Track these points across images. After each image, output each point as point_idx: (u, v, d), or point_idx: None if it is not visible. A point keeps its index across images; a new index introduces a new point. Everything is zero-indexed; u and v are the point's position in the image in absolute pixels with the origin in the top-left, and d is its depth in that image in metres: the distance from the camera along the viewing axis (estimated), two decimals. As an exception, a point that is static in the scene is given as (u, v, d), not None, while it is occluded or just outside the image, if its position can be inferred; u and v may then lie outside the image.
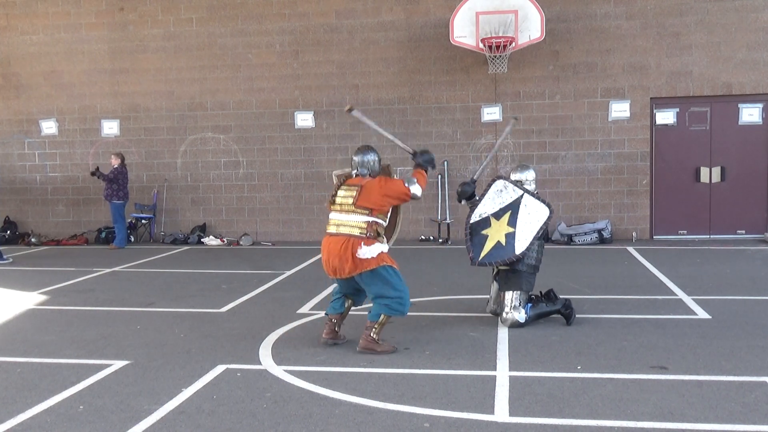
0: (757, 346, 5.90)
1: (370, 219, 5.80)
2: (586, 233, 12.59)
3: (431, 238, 13.30)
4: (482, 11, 12.19)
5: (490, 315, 6.96)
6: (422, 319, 6.92)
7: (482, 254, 6.49)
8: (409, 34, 13.32)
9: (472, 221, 6.62)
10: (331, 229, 5.95)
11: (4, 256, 11.60)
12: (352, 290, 6.11)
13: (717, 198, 12.91)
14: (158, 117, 14.18)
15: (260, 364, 5.68)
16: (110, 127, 14.34)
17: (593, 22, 12.85)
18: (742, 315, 7.00)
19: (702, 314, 7.06)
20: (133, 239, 13.98)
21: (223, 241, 13.54)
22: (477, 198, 6.79)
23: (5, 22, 14.45)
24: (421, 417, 4.50)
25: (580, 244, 12.43)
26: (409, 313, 6.13)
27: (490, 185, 6.77)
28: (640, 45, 12.78)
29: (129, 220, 13.85)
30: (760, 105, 12.68)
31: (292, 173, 13.85)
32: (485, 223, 6.50)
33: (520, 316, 6.58)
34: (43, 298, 8.59)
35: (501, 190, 6.52)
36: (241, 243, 13.45)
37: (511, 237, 6.41)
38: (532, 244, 6.45)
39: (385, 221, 5.98)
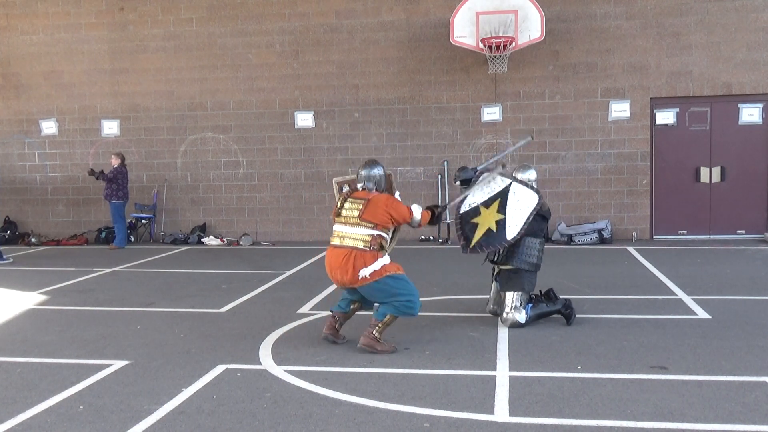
0: (757, 346, 5.90)
1: (374, 232, 5.87)
2: (586, 233, 12.59)
3: (431, 238, 13.30)
4: (482, 11, 12.19)
5: (490, 315, 6.96)
6: (422, 319, 6.91)
7: (474, 241, 6.49)
8: (409, 34, 13.33)
9: (462, 211, 6.63)
10: (335, 241, 6.01)
11: (4, 256, 11.60)
12: (359, 297, 6.15)
13: (717, 198, 12.91)
14: (158, 117, 14.18)
15: (260, 364, 5.68)
16: (110, 127, 14.35)
17: (593, 22, 12.86)
18: (742, 315, 7.00)
19: (702, 314, 7.06)
20: (133, 239, 13.98)
21: (223, 241, 13.54)
22: (468, 188, 6.76)
23: (5, 22, 14.45)
24: (421, 417, 4.50)
25: (580, 244, 12.44)
26: (409, 313, 6.14)
27: (477, 177, 6.75)
28: (640, 45, 12.78)
29: (129, 220, 13.85)
30: (760, 105, 12.68)
31: (292, 173, 13.85)
32: (475, 212, 6.52)
33: (521, 316, 6.58)
34: (43, 298, 8.59)
35: (489, 181, 6.55)
36: (241, 243, 13.45)
37: (501, 223, 6.43)
38: (523, 230, 6.42)
39: (389, 234, 6.04)
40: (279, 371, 5.47)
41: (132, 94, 14.22)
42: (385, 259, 5.92)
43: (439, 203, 13.17)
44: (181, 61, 13.98)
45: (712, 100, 12.77)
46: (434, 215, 6.33)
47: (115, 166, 13.16)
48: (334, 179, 6.49)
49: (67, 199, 14.65)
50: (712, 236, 12.87)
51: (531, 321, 6.65)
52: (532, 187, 6.56)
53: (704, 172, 12.90)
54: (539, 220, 6.68)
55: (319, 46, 13.59)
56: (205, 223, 14.10)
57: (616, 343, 6.06)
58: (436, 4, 13.14)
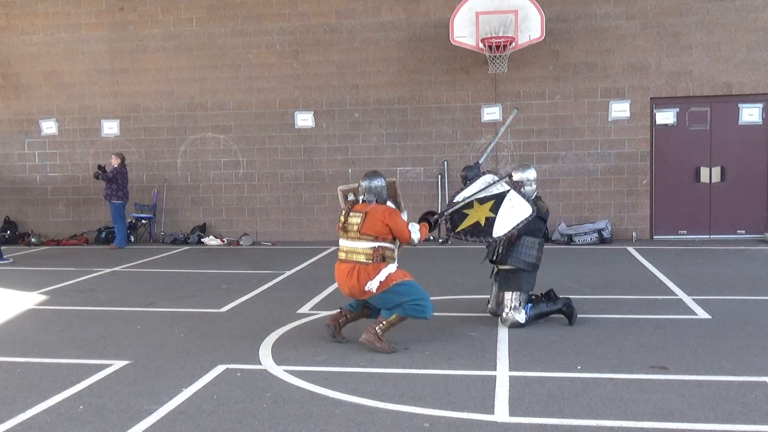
0: (757, 346, 5.90)
1: (376, 244, 5.90)
2: (586, 233, 12.59)
3: (431, 238, 13.26)
4: (482, 11, 12.19)
5: (490, 315, 6.96)
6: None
7: (460, 227, 6.55)
8: (409, 34, 13.32)
9: (455, 200, 6.65)
10: (341, 256, 6.11)
11: (4, 256, 11.60)
12: (371, 304, 6.19)
13: (717, 198, 12.91)
14: (158, 117, 14.18)
15: (260, 364, 5.68)
16: (110, 127, 14.35)
17: (593, 22, 12.86)
18: (742, 315, 7.00)
19: (702, 314, 7.06)
20: (133, 239, 13.98)
21: (223, 241, 13.54)
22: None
23: (5, 22, 14.45)
24: (421, 417, 4.50)
25: (580, 244, 12.43)
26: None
27: (479, 175, 6.76)
28: (640, 45, 12.78)
29: (129, 220, 13.85)
30: (760, 105, 12.68)
31: (292, 173, 13.85)
32: (468, 205, 6.56)
33: (521, 316, 6.58)
34: (43, 298, 8.60)
35: (490, 183, 6.58)
36: (241, 243, 13.45)
37: (491, 221, 6.48)
38: (509, 233, 6.44)
39: (393, 244, 6.05)
40: (279, 371, 5.47)
41: (132, 94, 14.22)
42: (390, 268, 5.94)
43: (439, 203, 13.21)
44: (181, 61, 13.98)
45: (712, 100, 12.77)
46: (431, 225, 6.37)
47: (115, 166, 13.16)
48: (339, 188, 6.56)
49: (67, 199, 14.64)
50: (712, 236, 12.87)
51: (531, 321, 6.65)
52: (528, 200, 6.58)
53: (704, 172, 12.90)
54: (537, 220, 6.68)
55: (319, 46, 13.59)
56: (205, 223, 14.10)
57: (616, 343, 6.06)
58: (436, 4, 13.14)
